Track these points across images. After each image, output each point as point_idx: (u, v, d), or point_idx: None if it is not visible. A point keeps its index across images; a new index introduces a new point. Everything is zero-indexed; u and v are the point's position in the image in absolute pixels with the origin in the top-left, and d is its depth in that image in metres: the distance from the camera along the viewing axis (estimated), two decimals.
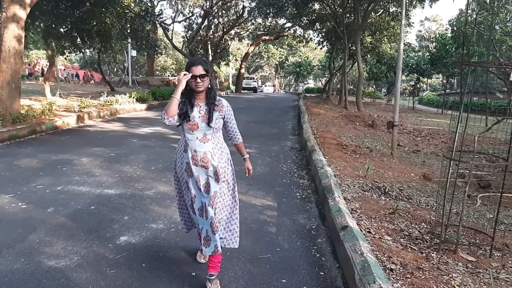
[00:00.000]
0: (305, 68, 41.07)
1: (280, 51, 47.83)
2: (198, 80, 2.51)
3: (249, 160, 2.89)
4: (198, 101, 2.61)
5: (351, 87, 31.27)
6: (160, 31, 30.05)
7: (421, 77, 25.90)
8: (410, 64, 24.08)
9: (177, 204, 2.95)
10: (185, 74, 2.48)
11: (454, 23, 24.16)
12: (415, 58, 25.35)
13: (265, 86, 53.00)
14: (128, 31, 18.05)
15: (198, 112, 2.58)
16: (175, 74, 36.07)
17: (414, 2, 16.89)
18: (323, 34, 24.19)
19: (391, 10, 19.04)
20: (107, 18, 14.45)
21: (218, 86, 37.58)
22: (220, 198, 2.64)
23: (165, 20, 27.76)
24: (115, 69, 44.14)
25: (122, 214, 3.90)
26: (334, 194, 4.11)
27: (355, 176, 5.32)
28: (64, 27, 14.67)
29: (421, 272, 2.64)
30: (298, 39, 28.14)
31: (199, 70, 2.50)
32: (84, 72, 36.63)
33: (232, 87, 39.30)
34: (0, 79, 8.40)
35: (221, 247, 2.61)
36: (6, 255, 2.99)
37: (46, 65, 24.40)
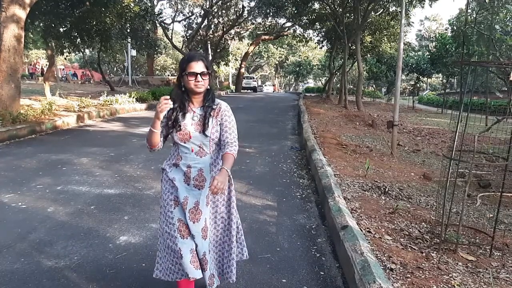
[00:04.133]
0: (305, 67, 41.12)
1: (280, 51, 47.85)
2: (199, 78, 2.07)
3: (226, 175, 2.02)
4: (193, 105, 2.18)
5: (351, 86, 31.29)
6: (160, 30, 30.10)
7: (421, 77, 25.92)
8: (410, 64, 24.10)
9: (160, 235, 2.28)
10: (165, 100, 1.98)
11: (454, 22, 24.15)
12: (415, 57, 25.38)
13: (265, 85, 53.00)
14: (128, 30, 18.05)
15: (191, 119, 2.15)
16: (175, 74, 36.04)
17: (414, 1, 16.88)
18: (323, 33, 24.22)
19: (391, 10, 19.06)
20: (107, 18, 14.45)
21: (218, 85, 37.57)
22: (211, 227, 2.25)
23: (165, 19, 27.85)
24: (115, 69, 44.13)
25: (122, 214, 3.90)
26: (334, 193, 4.11)
27: (355, 176, 5.32)
28: (63, 26, 14.67)
29: (421, 271, 2.64)
30: (298, 38, 28.16)
31: (199, 66, 2.07)
32: (82, 72, 36.64)
33: (232, 87, 39.31)
34: (0, 79, 8.40)
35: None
36: (6, 255, 2.99)
37: (46, 65, 24.40)
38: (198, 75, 2.07)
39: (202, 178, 2.17)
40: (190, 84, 2.09)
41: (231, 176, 2.29)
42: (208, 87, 2.18)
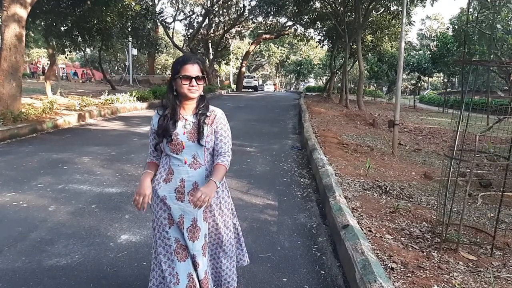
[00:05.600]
0: (305, 66, 41.00)
1: (281, 50, 47.81)
2: (194, 83, 1.90)
3: (213, 187, 1.84)
4: (184, 111, 2.00)
5: (352, 85, 31.25)
6: (161, 29, 30.11)
7: (422, 76, 25.85)
8: (411, 63, 24.04)
9: (153, 257, 2.10)
10: (137, 202, 1.91)
11: (455, 21, 24.14)
12: (416, 56, 25.31)
13: (266, 84, 53.00)
14: (129, 29, 18.04)
15: (182, 128, 1.96)
16: None
17: (415, 0, 16.87)
18: (324, 32, 24.17)
19: (392, 9, 19.02)
20: (108, 17, 14.46)
21: (219, 84, 37.56)
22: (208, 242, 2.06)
23: (165, 18, 27.90)
24: (116, 68, 44.18)
25: (123, 213, 3.91)
26: (335, 193, 4.11)
27: (356, 175, 5.32)
28: (64, 25, 14.69)
29: (422, 271, 2.64)
30: (299, 37, 28.11)
31: (195, 70, 1.91)
32: (83, 71, 36.65)
33: (233, 86, 39.29)
34: (1, 78, 8.42)
35: None
36: (8, 253, 3.00)
37: (47, 63, 24.42)
38: (193, 79, 1.90)
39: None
40: (183, 89, 1.92)
41: (228, 189, 2.20)
42: (202, 93, 2.00)
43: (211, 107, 2.04)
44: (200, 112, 1.99)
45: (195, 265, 1.98)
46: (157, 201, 2.00)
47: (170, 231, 1.98)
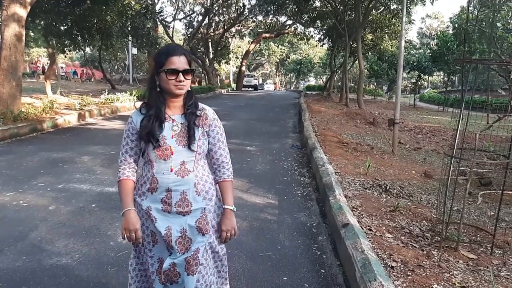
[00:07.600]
0: (305, 65, 40.98)
1: (281, 49, 47.79)
2: (181, 77, 1.65)
3: (232, 217, 1.79)
4: (171, 111, 1.74)
5: (352, 84, 31.22)
6: (160, 28, 30.09)
7: (422, 75, 25.84)
8: (411, 62, 24.03)
9: (130, 266, 1.88)
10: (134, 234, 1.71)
11: (456, 20, 24.13)
12: (416, 55, 25.32)
13: (266, 83, 53.00)
14: (129, 28, 18.04)
15: (170, 130, 1.71)
16: None
17: None
18: (324, 31, 24.16)
19: (392, 7, 19.03)
20: (108, 16, 14.46)
21: (219, 84, 37.55)
22: (205, 260, 1.78)
23: (165, 17, 27.87)
24: (116, 67, 44.17)
25: None
26: (335, 191, 4.11)
27: (356, 174, 5.32)
28: (64, 25, 14.70)
29: (422, 269, 2.64)
30: (299, 36, 28.09)
31: (182, 62, 1.65)
32: (82, 70, 36.64)
33: (233, 85, 39.28)
34: (1, 77, 8.42)
35: None
36: (8, 253, 3.00)
37: (47, 63, 24.42)
38: (180, 74, 1.65)
39: (186, 203, 1.71)
40: (169, 85, 1.66)
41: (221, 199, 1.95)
42: (189, 88, 1.74)
43: (200, 105, 1.80)
44: (189, 111, 1.74)
45: (175, 276, 1.74)
46: (139, 215, 1.77)
47: (154, 249, 1.77)
